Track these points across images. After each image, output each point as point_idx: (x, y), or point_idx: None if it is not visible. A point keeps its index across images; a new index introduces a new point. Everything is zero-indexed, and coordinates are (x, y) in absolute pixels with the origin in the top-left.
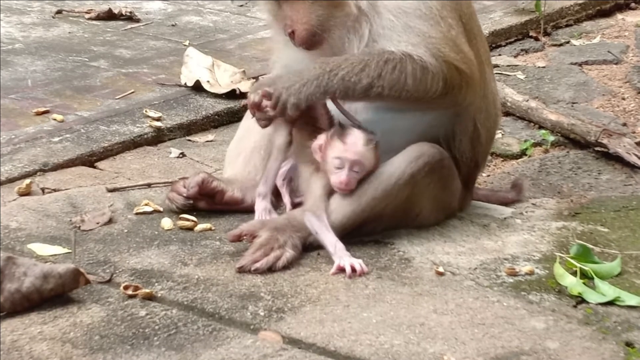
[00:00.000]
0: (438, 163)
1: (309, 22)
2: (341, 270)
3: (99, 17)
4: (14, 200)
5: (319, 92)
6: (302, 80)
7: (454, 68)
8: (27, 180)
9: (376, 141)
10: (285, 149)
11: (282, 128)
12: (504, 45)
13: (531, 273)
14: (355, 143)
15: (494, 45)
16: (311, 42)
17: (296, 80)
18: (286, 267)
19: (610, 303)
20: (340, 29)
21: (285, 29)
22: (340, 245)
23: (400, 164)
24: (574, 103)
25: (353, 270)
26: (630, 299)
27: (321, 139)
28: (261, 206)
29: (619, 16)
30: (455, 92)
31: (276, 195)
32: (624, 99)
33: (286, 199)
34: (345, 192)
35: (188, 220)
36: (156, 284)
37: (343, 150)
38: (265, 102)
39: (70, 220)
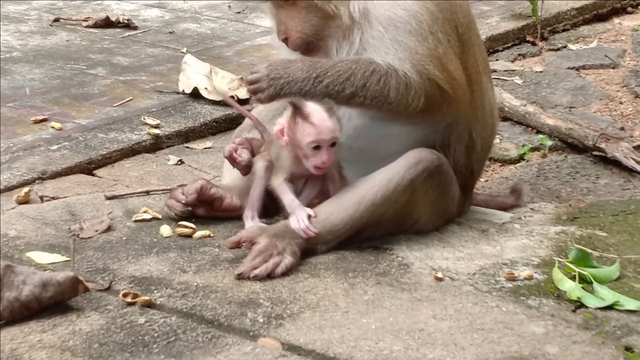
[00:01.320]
0: (437, 169)
1: (302, 30)
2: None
3: (96, 25)
4: (13, 208)
5: (299, 94)
6: (287, 77)
7: (436, 86)
8: (26, 189)
9: (333, 107)
10: (266, 174)
11: (260, 156)
12: (501, 50)
13: (530, 278)
14: (322, 120)
15: (491, 50)
16: (305, 49)
17: (282, 74)
18: (285, 273)
19: (609, 307)
20: (333, 37)
21: (279, 35)
22: (297, 202)
23: (399, 170)
24: (571, 107)
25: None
26: (629, 303)
27: (279, 123)
28: (249, 224)
29: (616, 20)
30: (435, 109)
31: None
32: (621, 103)
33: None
34: (323, 171)
35: (187, 227)
36: (155, 291)
37: (317, 133)
38: (249, 77)
39: (69, 228)
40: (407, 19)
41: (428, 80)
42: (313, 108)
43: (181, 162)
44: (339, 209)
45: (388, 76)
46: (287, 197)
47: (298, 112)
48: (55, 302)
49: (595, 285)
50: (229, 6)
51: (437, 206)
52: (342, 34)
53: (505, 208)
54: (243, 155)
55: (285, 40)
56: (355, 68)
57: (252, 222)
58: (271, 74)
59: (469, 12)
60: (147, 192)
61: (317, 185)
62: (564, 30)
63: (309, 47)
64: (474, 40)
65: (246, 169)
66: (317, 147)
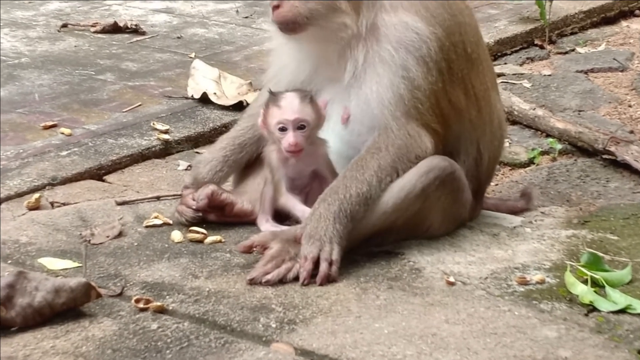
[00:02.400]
0: (449, 176)
1: (298, 6)
2: None
3: (104, 31)
4: (24, 214)
5: (349, 220)
6: (332, 221)
7: (431, 130)
8: (36, 195)
9: (310, 95)
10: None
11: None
12: (510, 54)
13: (542, 282)
14: (290, 102)
15: (499, 54)
16: (290, 24)
17: (326, 223)
18: (297, 278)
19: (622, 311)
20: (329, 34)
21: (271, 1)
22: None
23: (411, 178)
24: (580, 111)
25: None
26: None
27: (260, 114)
28: (265, 228)
29: (624, 23)
30: (436, 147)
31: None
32: (630, 106)
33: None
34: (296, 155)
35: (198, 232)
36: (167, 296)
37: (280, 114)
38: (311, 255)
39: (80, 234)
40: (418, 44)
41: (422, 127)
42: (286, 94)
43: (191, 167)
44: None
45: (388, 139)
46: (298, 208)
47: (272, 98)
48: (68, 308)
49: (608, 289)
50: (237, 11)
51: (449, 213)
52: (347, 44)
53: (515, 212)
54: (188, 212)
55: (275, 9)
56: (361, 161)
57: (267, 225)
58: (319, 235)
59: (477, 29)
60: (158, 198)
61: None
62: (572, 34)
63: (295, 26)
64: (482, 56)
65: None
66: (283, 129)
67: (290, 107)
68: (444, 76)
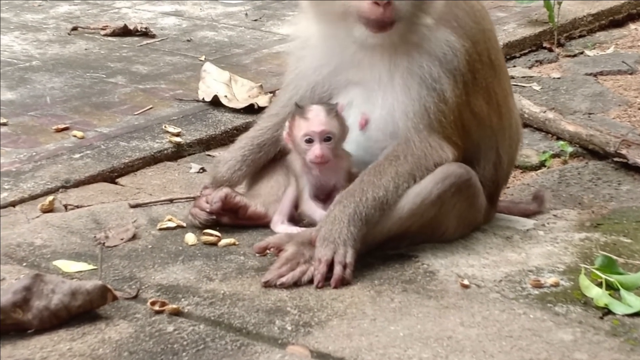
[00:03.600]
0: (465, 183)
1: (400, 3)
2: None
3: (114, 34)
4: (38, 217)
5: (364, 222)
6: (346, 223)
7: (452, 142)
8: (50, 197)
9: (336, 108)
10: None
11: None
12: (518, 57)
13: (556, 285)
14: (317, 115)
15: (508, 57)
16: (390, 22)
17: (341, 226)
18: (312, 281)
19: (637, 314)
20: (382, 51)
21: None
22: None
23: (427, 185)
24: (590, 114)
25: None
26: None
27: (286, 127)
28: (280, 229)
29: (632, 26)
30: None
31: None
32: None
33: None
34: (322, 167)
35: (212, 235)
36: (182, 299)
37: (307, 126)
38: (326, 258)
39: (95, 237)
40: (450, 57)
41: (444, 139)
42: (311, 106)
43: (203, 170)
44: None
45: (409, 149)
46: (318, 214)
47: (297, 110)
48: (84, 311)
49: (622, 292)
50: (246, 14)
51: (464, 218)
52: (393, 51)
53: (527, 215)
54: (201, 214)
55: (386, 5)
56: (379, 167)
57: (281, 227)
58: (334, 237)
59: (496, 37)
60: (171, 201)
61: None
62: (580, 37)
63: (391, 24)
64: (501, 62)
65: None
66: (309, 141)
67: (318, 119)
68: (468, 87)
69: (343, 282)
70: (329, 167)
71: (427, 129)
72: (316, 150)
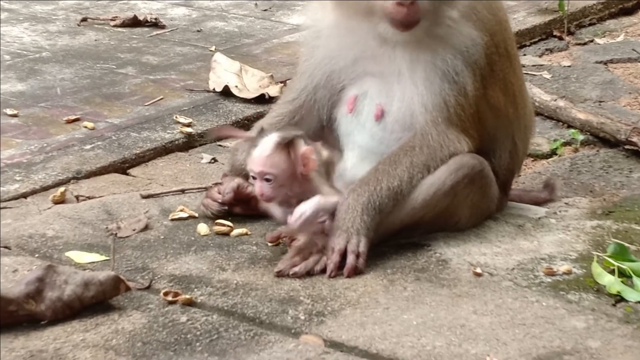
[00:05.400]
0: (478, 174)
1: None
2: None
3: (124, 24)
4: (49, 208)
5: (376, 213)
6: (360, 211)
7: (469, 135)
8: (62, 188)
9: (289, 140)
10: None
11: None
12: (529, 45)
13: (569, 272)
14: (260, 152)
15: (518, 45)
16: (415, 20)
17: (355, 213)
18: (324, 270)
19: None
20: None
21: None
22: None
23: (440, 175)
24: (601, 102)
25: None
26: None
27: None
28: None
29: None
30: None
31: None
32: None
33: None
34: (267, 202)
35: (224, 225)
36: (195, 289)
37: (250, 162)
38: (339, 242)
39: (107, 228)
40: (472, 50)
41: (462, 133)
42: (267, 139)
43: (214, 160)
44: None
45: (425, 140)
46: (274, 209)
47: (255, 138)
48: (97, 302)
49: (635, 279)
50: (256, 4)
51: (477, 208)
52: (416, 44)
53: (538, 203)
54: (214, 205)
55: (410, 6)
56: (395, 157)
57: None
58: (347, 226)
59: (510, 26)
60: (183, 191)
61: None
62: (590, 25)
63: (416, 23)
64: (516, 52)
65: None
66: (254, 177)
67: (259, 159)
68: (485, 80)
69: (356, 271)
70: (283, 199)
71: (445, 122)
72: (257, 188)
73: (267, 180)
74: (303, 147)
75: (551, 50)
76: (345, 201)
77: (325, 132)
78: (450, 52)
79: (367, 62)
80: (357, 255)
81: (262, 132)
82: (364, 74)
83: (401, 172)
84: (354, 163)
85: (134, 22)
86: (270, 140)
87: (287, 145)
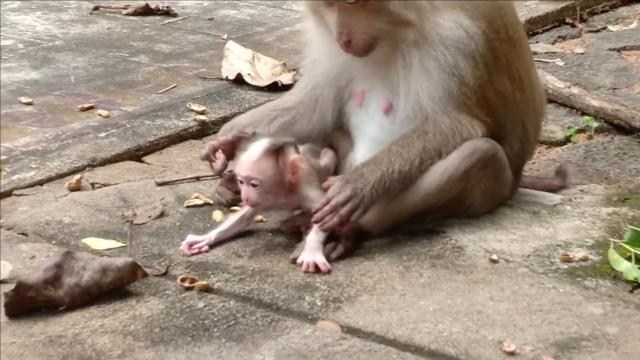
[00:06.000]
0: (491, 158)
1: (367, 33)
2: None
3: (136, 13)
4: (65, 195)
5: (383, 192)
6: (369, 183)
7: (481, 121)
8: (77, 176)
9: (279, 146)
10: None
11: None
12: (541, 33)
13: (585, 259)
14: (247, 157)
15: (530, 33)
16: (365, 52)
17: (364, 183)
18: (340, 257)
19: None
20: (393, 45)
21: (340, 37)
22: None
23: (454, 160)
24: (614, 89)
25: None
26: None
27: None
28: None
29: None
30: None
31: None
32: None
33: None
34: (253, 207)
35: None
36: (212, 276)
37: (237, 166)
38: (337, 200)
39: (122, 215)
40: (467, 40)
41: (473, 119)
42: (256, 144)
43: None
44: (394, 197)
45: (438, 126)
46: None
47: (244, 142)
48: (115, 288)
49: None
50: None
51: (490, 193)
52: (405, 46)
53: (552, 190)
54: (218, 161)
55: (347, 43)
56: (408, 140)
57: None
58: (357, 186)
59: (513, 6)
60: (197, 178)
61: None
62: (602, 12)
63: (368, 50)
64: (521, 34)
65: (220, 173)
66: (240, 181)
67: (246, 163)
68: (489, 67)
69: (343, 224)
70: (277, 202)
71: (455, 110)
72: (243, 192)
73: (254, 185)
74: (292, 155)
75: (564, 38)
76: (359, 170)
77: (333, 127)
78: (440, 47)
79: (367, 60)
80: (351, 213)
81: (253, 136)
82: (366, 69)
83: (413, 156)
84: (363, 155)
85: (146, 11)
86: (259, 146)
87: (276, 152)
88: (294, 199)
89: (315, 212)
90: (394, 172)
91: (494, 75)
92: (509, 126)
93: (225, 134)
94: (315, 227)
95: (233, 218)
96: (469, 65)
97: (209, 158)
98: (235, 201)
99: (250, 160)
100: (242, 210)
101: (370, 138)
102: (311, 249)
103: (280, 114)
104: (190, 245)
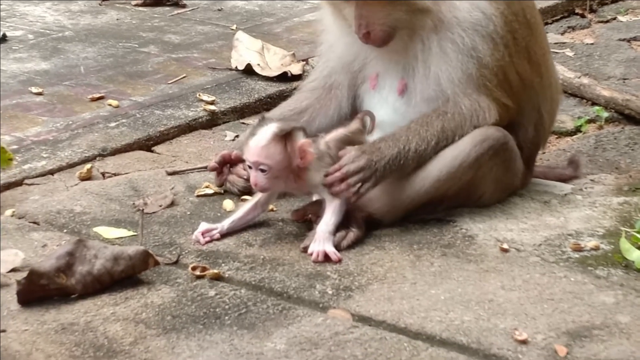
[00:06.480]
0: (502, 146)
1: (386, 24)
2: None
3: (145, 4)
4: (76, 185)
5: (396, 169)
6: (385, 158)
7: (501, 104)
8: (88, 165)
9: (287, 131)
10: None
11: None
12: (550, 23)
13: (596, 248)
14: (256, 142)
15: None
16: (384, 42)
17: (380, 156)
18: (351, 246)
19: None
20: (411, 32)
21: (359, 30)
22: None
23: (465, 147)
24: (625, 79)
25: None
26: None
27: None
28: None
29: None
30: (502, 119)
31: None
32: None
33: None
34: (262, 192)
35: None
36: (223, 264)
37: (246, 151)
38: (349, 168)
39: (133, 204)
40: (485, 22)
41: (493, 101)
42: (264, 129)
43: (238, 137)
44: (405, 185)
45: (457, 107)
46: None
47: (253, 128)
48: (127, 276)
49: None
50: None
51: (501, 182)
52: (419, 35)
53: (563, 179)
54: (222, 176)
55: (366, 35)
56: (428, 119)
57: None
58: (372, 159)
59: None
60: (207, 168)
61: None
62: (612, 2)
63: (387, 41)
64: (538, 19)
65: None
66: (249, 166)
67: (254, 149)
68: (509, 49)
69: (350, 192)
70: (288, 186)
71: (475, 92)
72: (252, 177)
73: (262, 170)
74: (301, 140)
75: (573, 28)
76: (376, 144)
77: (348, 116)
78: (457, 30)
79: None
80: (361, 184)
81: (262, 121)
82: (383, 54)
83: (430, 136)
84: (376, 137)
85: (155, 2)
86: (267, 131)
87: (284, 137)
88: (303, 184)
89: (327, 175)
90: (410, 150)
91: (514, 57)
92: (525, 111)
93: (240, 145)
94: (324, 217)
95: (247, 205)
96: (487, 46)
97: (216, 169)
98: (247, 190)
99: (258, 146)
100: (255, 197)
101: (383, 120)
102: (320, 239)
103: (297, 118)
104: (203, 233)
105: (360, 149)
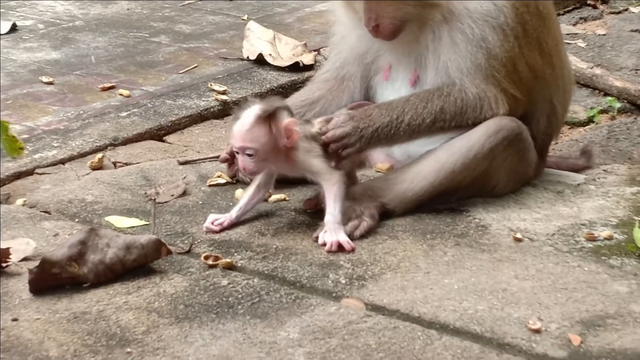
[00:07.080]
0: (516, 137)
1: (395, 17)
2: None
3: None
4: (87, 174)
5: (385, 140)
6: (373, 125)
7: (509, 95)
8: (99, 155)
9: (271, 112)
10: None
11: None
12: (562, 14)
13: (610, 238)
14: (239, 126)
15: None
16: (393, 35)
17: (368, 124)
18: (364, 235)
19: None
20: (421, 24)
21: (368, 23)
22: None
23: (479, 138)
24: (637, 70)
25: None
26: None
27: None
28: None
29: None
30: (512, 111)
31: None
32: None
33: None
34: (251, 176)
35: None
36: (235, 254)
37: (231, 137)
38: (334, 133)
39: (145, 193)
40: (495, 13)
41: (500, 91)
42: (247, 112)
43: None
44: (419, 176)
45: (462, 93)
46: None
47: (236, 112)
48: (139, 265)
49: None
50: None
51: (515, 172)
52: (430, 27)
53: (576, 170)
54: (234, 167)
55: (376, 28)
56: (429, 96)
57: None
58: (359, 126)
59: None
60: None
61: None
62: None
63: (396, 34)
64: (551, 10)
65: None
66: (236, 151)
67: (239, 133)
68: (519, 40)
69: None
70: (279, 166)
71: (483, 82)
72: (239, 162)
73: (249, 155)
74: (286, 119)
75: (585, 19)
76: (369, 110)
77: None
78: (467, 20)
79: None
80: (346, 147)
81: (244, 104)
82: (395, 45)
83: (427, 114)
84: None
85: None
86: (250, 114)
87: (268, 118)
88: (294, 164)
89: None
90: (403, 122)
91: (524, 49)
92: (537, 102)
93: None
94: (327, 208)
95: (249, 190)
96: (497, 37)
97: (227, 161)
98: None
99: (242, 130)
100: (255, 180)
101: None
102: (331, 230)
103: (309, 108)
104: (212, 222)
105: (349, 115)
